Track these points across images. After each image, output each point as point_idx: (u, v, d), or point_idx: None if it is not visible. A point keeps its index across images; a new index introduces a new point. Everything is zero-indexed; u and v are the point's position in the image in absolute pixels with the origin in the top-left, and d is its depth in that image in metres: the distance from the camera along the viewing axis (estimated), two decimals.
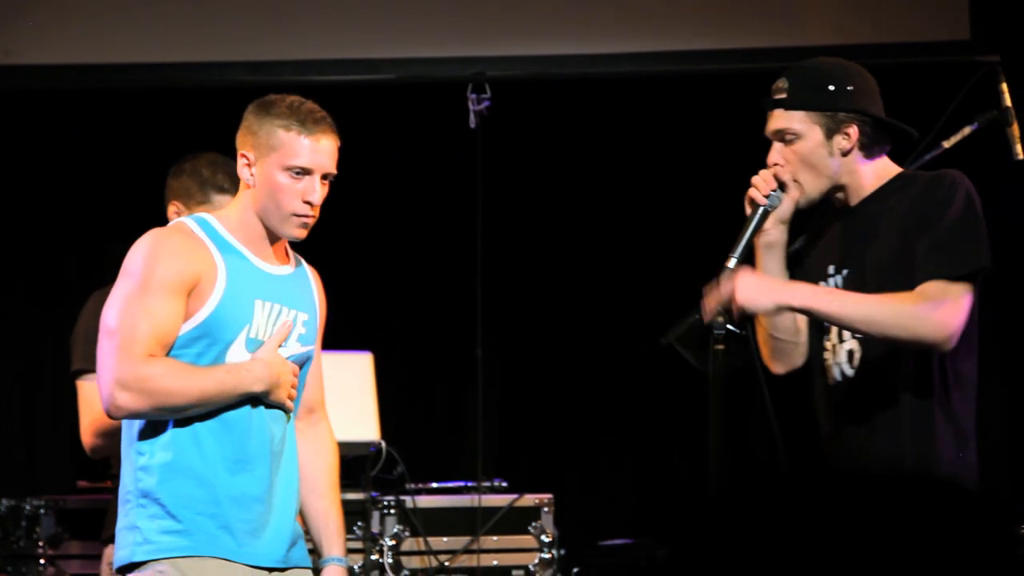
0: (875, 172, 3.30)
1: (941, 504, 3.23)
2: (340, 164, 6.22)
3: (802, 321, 3.37)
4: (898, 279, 3.20)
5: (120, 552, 3.23)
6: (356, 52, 5.69)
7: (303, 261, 3.46)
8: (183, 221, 3.29)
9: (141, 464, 3.20)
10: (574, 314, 6.12)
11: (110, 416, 3.16)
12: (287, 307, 3.33)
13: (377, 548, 5.06)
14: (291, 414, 3.34)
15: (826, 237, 3.39)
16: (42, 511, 5.03)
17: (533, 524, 5.18)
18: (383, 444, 5.19)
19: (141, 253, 3.20)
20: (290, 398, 3.28)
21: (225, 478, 3.20)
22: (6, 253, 6.15)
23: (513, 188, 5.82)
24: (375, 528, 5.08)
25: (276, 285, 3.32)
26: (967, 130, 4.02)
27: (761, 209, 3.29)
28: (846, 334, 3.28)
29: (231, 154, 3.46)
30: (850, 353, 3.30)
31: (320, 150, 3.29)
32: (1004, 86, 4.12)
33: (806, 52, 5.50)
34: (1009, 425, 5.85)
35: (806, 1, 5.68)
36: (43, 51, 5.60)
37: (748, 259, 3.29)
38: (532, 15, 5.72)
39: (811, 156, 3.27)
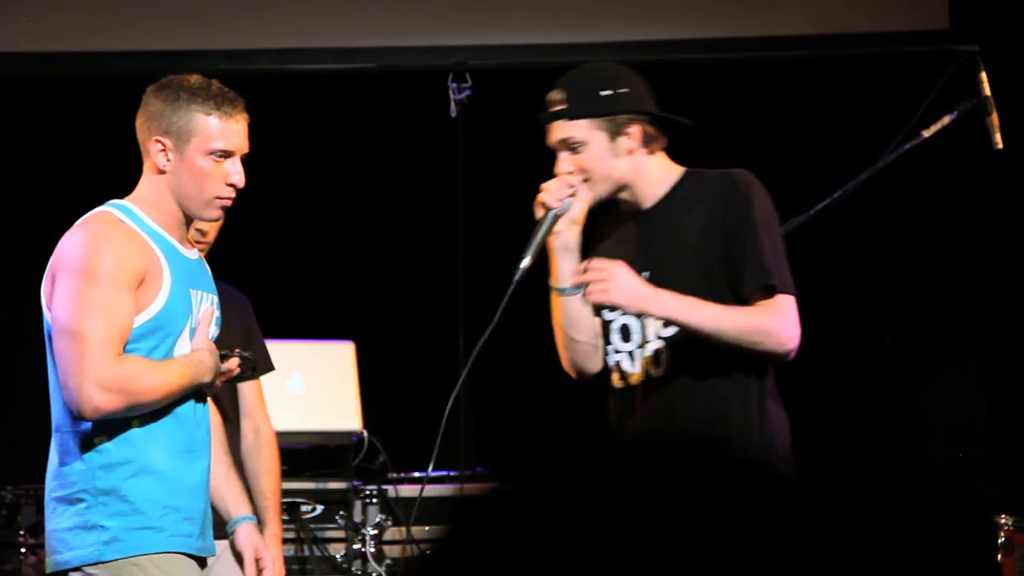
0: (660, 170, 3.38)
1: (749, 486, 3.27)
2: (323, 153, 6.22)
3: (599, 324, 3.43)
4: (702, 284, 3.29)
5: (78, 552, 3.20)
6: (335, 40, 5.69)
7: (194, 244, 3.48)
8: (108, 210, 3.26)
9: (100, 463, 3.18)
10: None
11: (84, 418, 3.14)
12: (205, 292, 3.35)
13: (359, 538, 5.09)
14: None
15: (620, 238, 3.46)
16: (22, 500, 5.05)
17: None
18: (365, 433, 5.21)
19: (81, 248, 3.17)
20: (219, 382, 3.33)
21: (181, 470, 3.22)
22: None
23: (495, 177, 5.82)
24: (357, 518, 5.11)
25: (194, 271, 3.34)
26: (946, 119, 4.07)
27: (552, 213, 3.34)
28: (651, 335, 3.36)
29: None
30: (656, 354, 3.37)
31: (239, 131, 3.27)
32: (983, 75, 4.17)
33: (786, 42, 5.67)
34: (991, 422, 5.91)
35: None
36: (22, 39, 5.58)
37: (542, 259, 3.37)
38: (513, 3, 5.75)
39: (599, 160, 3.33)
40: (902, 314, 6.12)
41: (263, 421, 4.30)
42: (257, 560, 3.61)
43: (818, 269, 5.78)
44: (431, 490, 5.21)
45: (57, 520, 3.22)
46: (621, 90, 3.34)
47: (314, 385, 5.30)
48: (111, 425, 3.18)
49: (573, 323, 3.43)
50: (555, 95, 3.36)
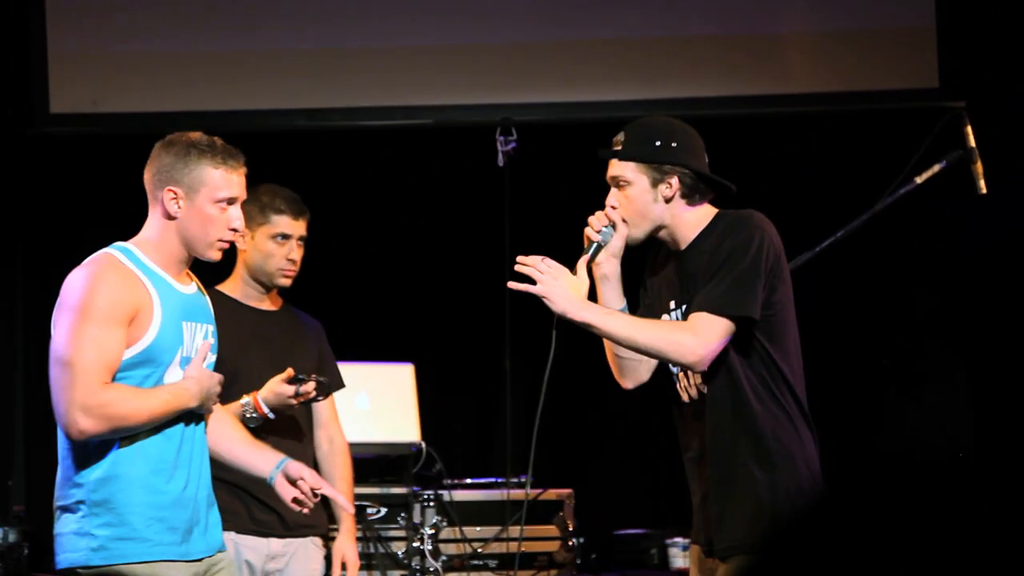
0: (696, 217, 3.45)
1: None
2: (387, 199, 6.36)
3: None
4: None
5: (70, 555, 3.27)
6: (397, 100, 5.83)
7: (194, 279, 3.49)
8: (110, 252, 3.32)
9: (94, 477, 3.23)
10: (591, 338, 6.17)
11: (71, 439, 3.21)
12: (200, 323, 3.39)
13: (418, 536, 5.18)
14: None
15: (665, 275, 3.53)
16: None
17: (556, 515, 5.29)
18: (423, 445, 5.33)
19: (81, 286, 3.22)
20: (214, 404, 3.37)
21: (164, 483, 3.27)
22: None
23: (537, 219, 5.85)
24: (416, 519, 5.19)
25: (190, 304, 3.38)
26: (936, 167, 4.23)
27: (595, 244, 3.45)
28: None
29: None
30: (703, 376, 3.44)
31: (240, 182, 3.36)
32: (968, 128, 4.30)
33: (793, 99, 5.66)
34: (976, 432, 6.00)
35: (791, 53, 5.78)
36: (127, 100, 5.77)
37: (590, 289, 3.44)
38: (553, 66, 5.84)
39: (638, 201, 3.42)
40: (897, 338, 6.12)
41: (336, 432, 4.48)
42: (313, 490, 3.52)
43: (824, 299, 5.90)
44: (479, 495, 5.30)
45: (59, 525, 3.29)
46: (672, 143, 3.42)
47: (378, 402, 5.39)
48: (102, 443, 3.22)
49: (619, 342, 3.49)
50: (618, 136, 3.45)
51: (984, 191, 4.27)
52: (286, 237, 4.37)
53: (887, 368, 6.12)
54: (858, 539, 1.46)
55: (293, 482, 3.48)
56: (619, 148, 3.44)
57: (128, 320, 3.23)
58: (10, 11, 5.87)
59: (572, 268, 3.40)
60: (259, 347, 4.33)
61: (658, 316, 3.51)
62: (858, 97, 5.79)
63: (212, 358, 3.41)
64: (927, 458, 1.59)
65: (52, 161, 6.14)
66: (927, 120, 4.35)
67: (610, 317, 3.36)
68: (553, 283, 3.35)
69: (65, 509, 3.27)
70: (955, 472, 1.60)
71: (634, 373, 3.55)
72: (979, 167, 4.28)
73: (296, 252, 4.38)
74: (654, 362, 3.52)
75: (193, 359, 3.33)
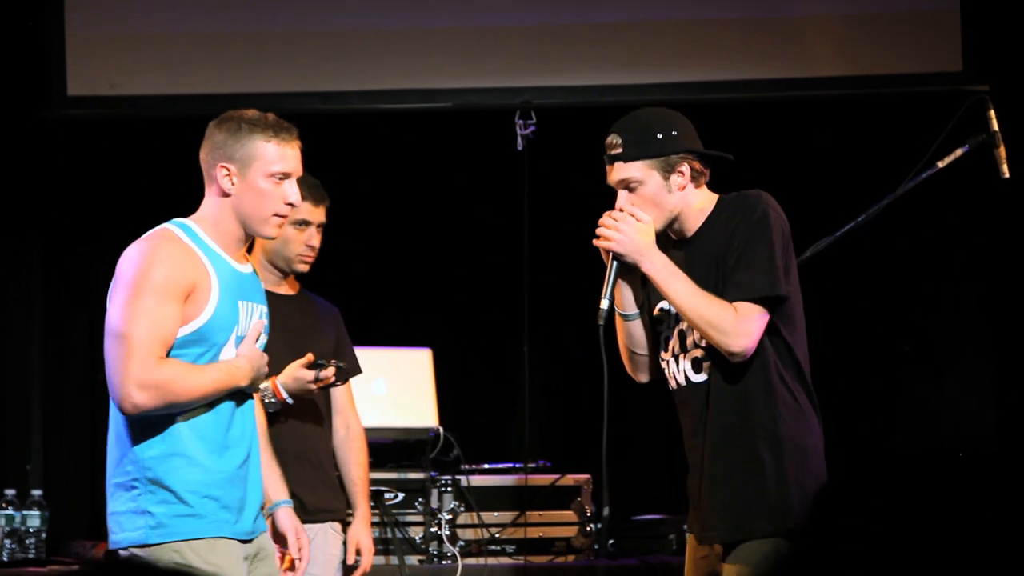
0: (700, 202, 3.45)
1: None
2: (405, 182, 6.39)
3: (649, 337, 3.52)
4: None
5: (128, 534, 3.27)
6: (416, 83, 5.79)
7: (249, 259, 3.48)
8: (169, 228, 3.31)
9: (150, 455, 3.24)
10: (609, 322, 6.11)
11: (124, 413, 3.22)
12: (255, 303, 3.40)
13: (436, 522, 5.17)
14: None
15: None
16: None
17: (574, 501, 5.27)
18: (441, 430, 5.30)
19: (138, 260, 3.22)
20: (263, 384, 3.44)
21: (217, 461, 3.28)
22: (95, 262, 6.06)
23: (556, 203, 5.90)
24: (434, 504, 5.18)
25: (246, 284, 3.38)
26: (959, 152, 4.20)
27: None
28: (690, 344, 3.43)
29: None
30: (696, 361, 3.44)
31: (294, 156, 3.34)
32: (992, 112, 4.28)
33: (815, 83, 5.67)
34: (998, 417, 6.03)
35: (813, 36, 5.75)
36: (144, 82, 5.75)
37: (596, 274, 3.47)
38: (573, 49, 5.81)
39: (655, 197, 3.40)
40: (918, 324, 6.16)
41: (353, 418, 4.48)
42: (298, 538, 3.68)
43: (844, 285, 5.97)
44: (498, 480, 5.30)
45: (115, 504, 3.30)
46: (672, 132, 3.40)
47: (396, 387, 5.37)
48: (157, 420, 3.24)
49: (636, 341, 3.55)
50: (613, 140, 3.42)
51: (1007, 175, 4.26)
52: (306, 224, 4.36)
53: (907, 354, 6.15)
54: (874, 529, 1.47)
55: (276, 531, 3.58)
56: (620, 151, 3.42)
57: (184, 296, 3.23)
58: None
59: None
60: (277, 332, 4.16)
61: (652, 310, 3.52)
62: (880, 81, 5.77)
63: (264, 339, 3.41)
64: (943, 449, 1.59)
65: (70, 144, 6.15)
66: (950, 104, 4.34)
67: (673, 278, 3.35)
68: (622, 233, 3.35)
69: (120, 487, 3.29)
70: (974, 465, 1.59)
71: (648, 367, 3.59)
72: (1002, 151, 4.26)
73: (315, 239, 4.38)
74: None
75: (245, 338, 3.33)
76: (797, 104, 6.00)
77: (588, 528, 5.23)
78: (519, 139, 5.68)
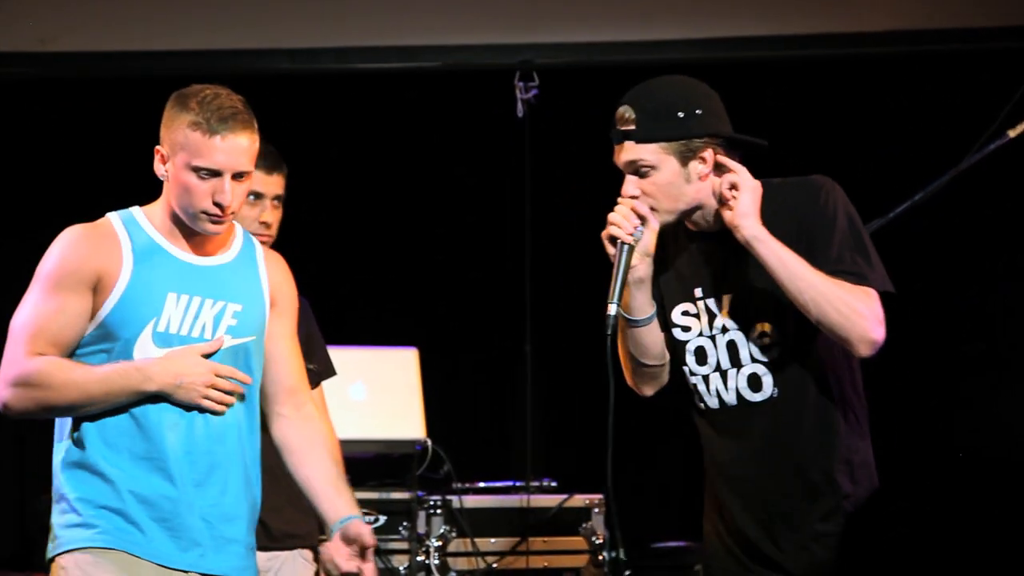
0: None
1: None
2: (386, 155, 6.26)
3: (664, 343, 3.40)
4: (789, 304, 3.19)
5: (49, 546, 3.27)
6: (398, 39, 5.72)
7: (259, 248, 3.39)
8: (108, 216, 3.26)
9: (56, 462, 3.22)
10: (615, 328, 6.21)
11: (5, 414, 3.19)
12: (211, 298, 3.26)
13: (423, 549, 5.10)
14: (246, 417, 3.27)
15: (686, 259, 3.38)
16: None
17: (583, 525, 5.19)
18: (429, 442, 5.22)
19: (48, 253, 3.21)
20: (207, 398, 3.19)
21: (131, 474, 3.17)
22: (24, 237, 5.98)
23: (563, 179, 5.93)
24: (421, 528, 5.12)
25: (200, 276, 3.26)
26: None
27: (627, 247, 3.25)
28: (744, 360, 3.29)
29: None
30: (753, 377, 3.29)
31: (228, 150, 3.16)
32: None
33: (865, 39, 5.67)
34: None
35: None
36: (78, 38, 5.65)
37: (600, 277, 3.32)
38: (579, 1, 5.76)
39: (669, 186, 3.24)
40: (979, 321, 6.09)
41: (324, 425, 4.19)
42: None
43: (897, 274, 5.93)
44: (495, 500, 5.26)
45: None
46: (696, 111, 3.23)
47: (377, 393, 5.30)
48: (64, 427, 3.21)
49: (645, 350, 3.38)
50: (625, 112, 3.25)
51: None
52: (259, 197, 4.13)
53: (966, 356, 6.09)
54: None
55: (350, 542, 3.38)
56: (632, 128, 3.25)
57: (87, 287, 3.18)
58: None
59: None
60: None
61: (668, 313, 3.38)
62: (940, 36, 5.67)
63: (230, 340, 3.28)
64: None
65: None
66: (1021, 64, 4.47)
67: (783, 249, 3.17)
68: (743, 197, 3.19)
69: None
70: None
71: (655, 379, 3.45)
72: None
73: (270, 213, 4.16)
74: (667, 368, 3.43)
75: (200, 344, 3.23)
76: (840, 63, 5.96)
77: (600, 557, 5.20)
78: (519, 104, 5.66)
